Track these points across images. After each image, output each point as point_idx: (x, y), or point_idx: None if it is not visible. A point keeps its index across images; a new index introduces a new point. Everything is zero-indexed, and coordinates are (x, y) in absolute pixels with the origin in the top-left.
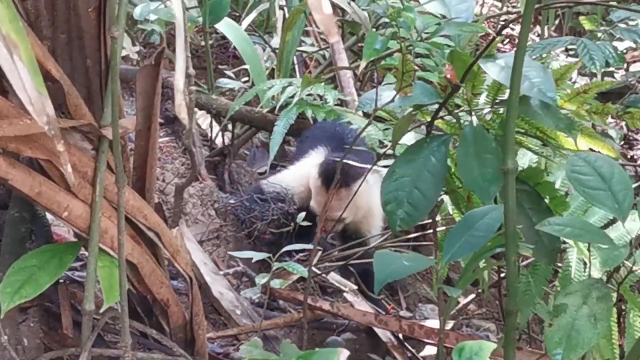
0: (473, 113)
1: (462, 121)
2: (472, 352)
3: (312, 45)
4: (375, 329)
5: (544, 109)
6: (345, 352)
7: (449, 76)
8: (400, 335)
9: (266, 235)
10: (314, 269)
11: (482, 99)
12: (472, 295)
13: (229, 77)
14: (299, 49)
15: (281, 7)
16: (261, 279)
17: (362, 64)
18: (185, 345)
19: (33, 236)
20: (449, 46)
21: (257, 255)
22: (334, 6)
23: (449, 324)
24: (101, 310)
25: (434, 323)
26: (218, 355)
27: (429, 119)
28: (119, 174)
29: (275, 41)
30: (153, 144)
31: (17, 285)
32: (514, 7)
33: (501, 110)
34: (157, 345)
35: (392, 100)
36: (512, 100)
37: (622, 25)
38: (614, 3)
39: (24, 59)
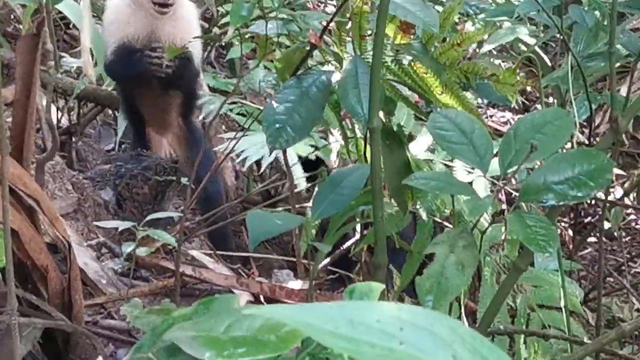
0: (355, 45)
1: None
2: (363, 294)
3: None
4: (237, 292)
5: (424, 52)
6: (245, 297)
7: (313, 40)
8: (262, 298)
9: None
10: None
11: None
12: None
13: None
14: None
15: None
16: (127, 248)
17: (230, 30)
18: (63, 310)
19: None
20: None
21: (122, 225)
22: None
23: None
24: None
25: (293, 285)
26: (87, 323)
27: None
28: (2, 141)
29: None
30: (31, 113)
31: None
32: None
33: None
34: (32, 311)
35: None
36: (377, 55)
37: None
38: None
39: None
